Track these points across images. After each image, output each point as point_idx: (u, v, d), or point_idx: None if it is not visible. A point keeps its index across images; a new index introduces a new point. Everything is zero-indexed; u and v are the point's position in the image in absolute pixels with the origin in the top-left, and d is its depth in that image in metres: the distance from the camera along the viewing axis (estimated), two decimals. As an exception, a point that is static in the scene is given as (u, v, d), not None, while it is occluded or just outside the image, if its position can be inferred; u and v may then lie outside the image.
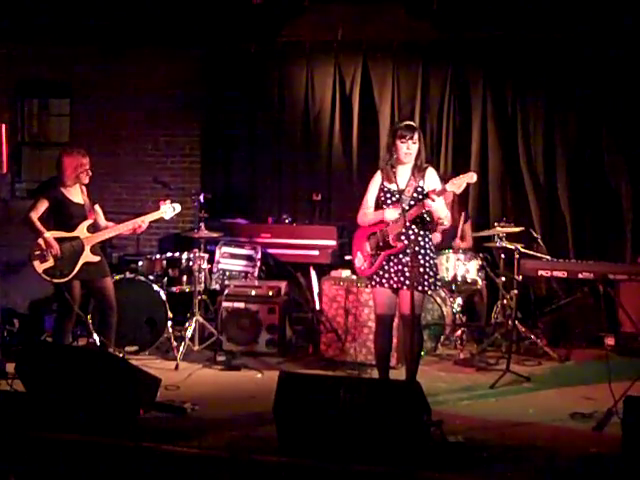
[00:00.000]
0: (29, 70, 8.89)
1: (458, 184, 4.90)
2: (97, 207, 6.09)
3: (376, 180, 5.18)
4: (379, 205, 5.15)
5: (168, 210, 6.16)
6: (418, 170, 5.10)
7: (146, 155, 8.82)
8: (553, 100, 7.72)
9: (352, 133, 8.20)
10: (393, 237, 5.00)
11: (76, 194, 5.96)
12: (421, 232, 5.06)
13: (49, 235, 5.77)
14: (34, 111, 9.67)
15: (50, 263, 5.78)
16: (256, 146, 8.47)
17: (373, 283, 5.12)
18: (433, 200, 4.88)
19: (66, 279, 5.81)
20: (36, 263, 5.78)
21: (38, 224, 5.80)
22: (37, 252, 5.78)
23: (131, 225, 6.04)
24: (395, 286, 5.05)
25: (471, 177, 4.95)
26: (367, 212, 5.20)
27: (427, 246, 5.09)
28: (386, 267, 5.06)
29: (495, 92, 7.85)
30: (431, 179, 5.11)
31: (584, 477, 4.02)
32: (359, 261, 5.23)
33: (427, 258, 5.06)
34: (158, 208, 6.16)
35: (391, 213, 5.02)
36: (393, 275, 5.04)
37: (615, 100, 7.50)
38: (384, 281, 5.06)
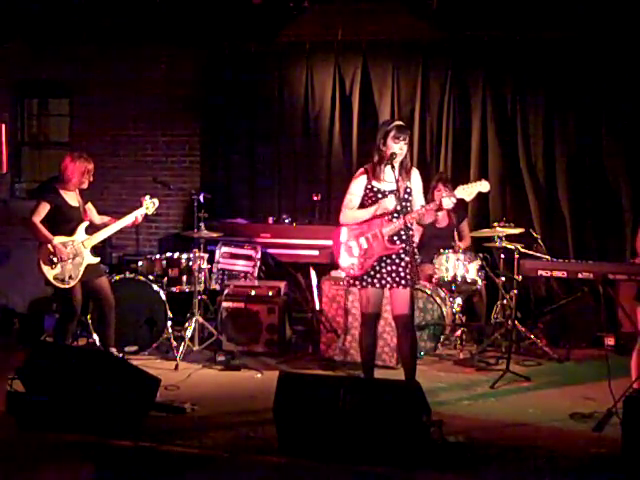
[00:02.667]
0: (29, 70, 8.89)
1: (469, 192, 4.89)
2: (90, 205, 6.12)
3: (361, 180, 5.09)
4: (367, 205, 5.08)
5: (150, 205, 6.21)
6: (405, 171, 5.06)
7: (146, 155, 8.82)
8: (553, 100, 7.72)
9: (352, 133, 8.19)
10: (388, 239, 4.99)
11: (73, 197, 5.99)
12: (409, 232, 5.04)
13: (57, 242, 5.79)
14: (34, 111, 9.68)
15: (58, 269, 5.80)
16: (256, 146, 8.47)
17: (364, 284, 5.05)
18: (453, 202, 4.87)
19: (74, 283, 5.83)
20: (46, 269, 5.79)
21: (44, 230, 5.81)
22: (46, 258, 5.80)
23: (123, 224, 6.09)
24: (388, 286, 5.03)
25: (484, 186, 4.92)
26: (354, 211, 5.09)
27: (413, 245, 5.08)
28: (377, 267, 5.03)
29: (495, 92, 7.85)
30: (416, 181, 5.11)
31: (584, 477, 4.02)
32: (345, 261, 5.12)
33: (415, 257, 5.10)
34: (141, 204, 6.20)
35: (390, 202, 4.95)
36: (385, 275, 5.02)
37: (615, 100, 7.50)
38: (375, 281, 5.03)
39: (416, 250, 5.16)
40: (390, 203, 4.96)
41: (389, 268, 5.02)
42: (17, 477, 3.57)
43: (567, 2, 7.41)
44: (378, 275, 5.03)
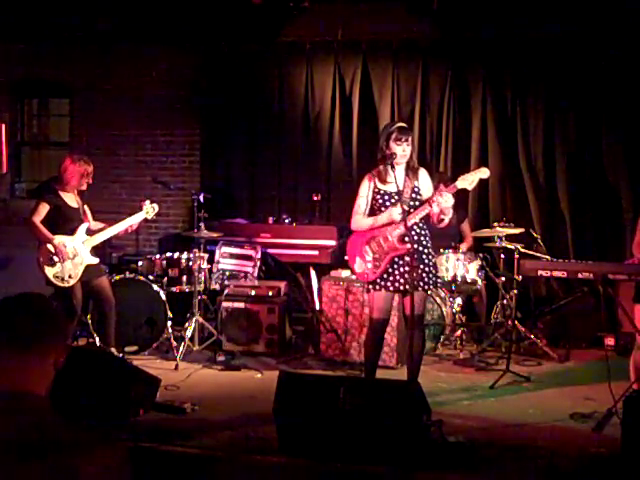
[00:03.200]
0: (29, 70, 8.89)
1: (470, 180, 4.86)
2: (86, 207, 6.14)
3: (367, 184, 5.09)
4: (375, 209, 5.08)
5: (150, 210, 6.25)
6: (412, 171, 5.07)
7: (146, 155, 8.82)
8: (553, 100, 7.72)
9: (352, 133, 8.19)
10: (397, 239, 4.97)
11: (72, 198, 6.01)
12: (422, 232, 5.05)
13: (58, 242, 5.80)
14: (34, 111, 9.68)
15: (58, 268, 5.83)
16: (256, 146, 8.48)
17: (378, 287, 5.01)
18: (442, 196, 4.81)
19: (73, 282, 5.85)
20: (47, 268, 5.83)
21: (44, 230, 5.83)
22: (46, 257, 5.82)
23: (123, 227, 6.14)
24: (402, 288, 4.99)
25: (484, 172, 4.91)
26: (364, 217, 5.09)
27: (428, 245, 5.08)
28: (390, 270, 5.00)
29: (495, 92, 7.85)
30: (425, 180, 5.10)
31: (584, 477, 4.02)
32: (360, 267, 5.11)
33: (430, 257, 5.07)
34: (141, 209, 6.24)
35: (396, 213, 4.92)
36: (399, 277, 4.99)
37: (615, 100, 7.50)
38: (389, 284, 5.00)
39: (430, 251, 5.11)
40: (396, 214, 4.92)
41: (402, 270, 4.99)
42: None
43: (567, 2, 7.41)
44: (392, 278, 5.00)
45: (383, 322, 5.10)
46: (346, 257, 5.42)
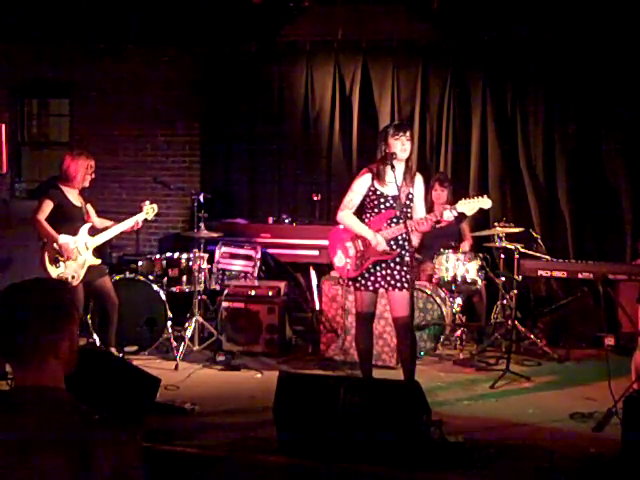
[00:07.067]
0: (29, 70, 8.89)
1: (470, 207, 4.88)
2: (89, 206, 6.12)
3: (365, 180, 5.03)
4: (368, 208, 5.07)
5: (150, 211, 6.26)
6: (410, 175, 5.04)
7: (146, 155, 8.82)
8: (553, 100, 7.72)
9: (352, 133, 8.20)
10: (387, 244, 4.99)
11: (75, 197, 5.98)
12: (405, 236, 5.00)
13: (63, 241, 5.79)
14: (34, 111, 9.68)
15: (62, 268, 5.80)
16: (256, 146, 8.48)
17: (357, 285, 5.04)
18: (453, 215, 4.86)
19: (76, 283, 5.83)
20: (51, 268, 5.80)
21: (49, 228, 5.79)
22: (51, 257, 5.81)
23: (126, 226, 6.13)
24: (382, 289, 5.02)
25: (485, 203, 4.91)
26: (352, 218, 5.06)
27: (409, 249, 5.02)
28: (372, 270, 5.01)
29: (495, 92, 7.85)
30: (419, 187, 5.10)
31: (584, 477, 4.02)
32: (340, 261, 5.12)
33: (416, 258, 5.07)
34: (141, 209, 6.25)
35: (381, 244, 4.94)
36: (380, 279, 5.00)
37: (615, 100, 7.50)
38: (369, 284, 5.01)
39: (415, 255, 5.13)
40: (381, 246, 4.95)
41: (383, 272, 5.00)
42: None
43: (567, 3, 7.41)
44: (372, 278, 5.01)
45: (367, 315, 5.12)
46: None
